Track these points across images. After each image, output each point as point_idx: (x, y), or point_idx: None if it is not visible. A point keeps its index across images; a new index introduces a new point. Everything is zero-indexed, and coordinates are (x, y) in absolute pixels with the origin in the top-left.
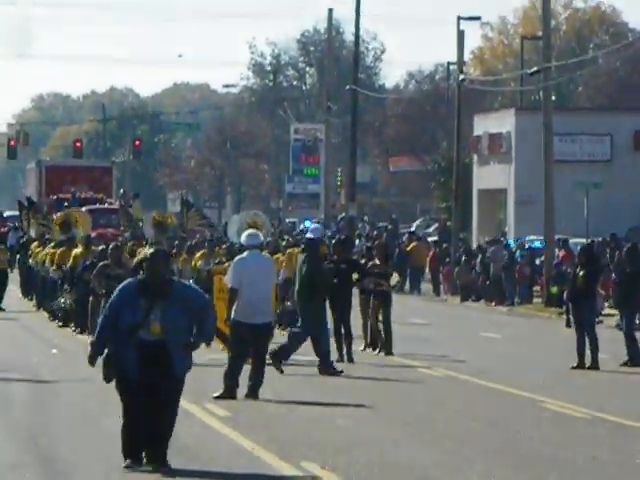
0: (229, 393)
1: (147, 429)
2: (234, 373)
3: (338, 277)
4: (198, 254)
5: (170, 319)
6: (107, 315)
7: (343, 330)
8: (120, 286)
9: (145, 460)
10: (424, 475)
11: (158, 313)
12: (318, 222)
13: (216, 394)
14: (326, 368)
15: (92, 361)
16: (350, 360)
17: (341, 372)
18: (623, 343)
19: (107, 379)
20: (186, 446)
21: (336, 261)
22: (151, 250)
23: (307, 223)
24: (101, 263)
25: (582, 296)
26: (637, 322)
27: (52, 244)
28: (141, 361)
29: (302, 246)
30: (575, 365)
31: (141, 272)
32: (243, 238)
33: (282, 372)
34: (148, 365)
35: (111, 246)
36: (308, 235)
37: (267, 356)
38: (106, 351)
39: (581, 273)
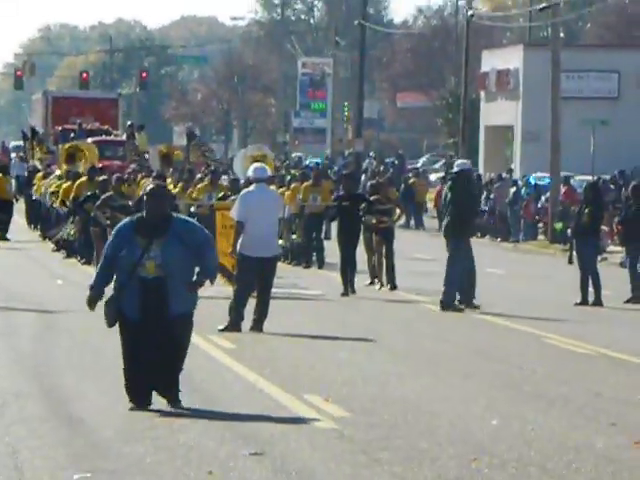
0: (234, 326)
1: (151, 371)
2: (239, 306)
3: (342, 212)
4: (200, 186)
5: (169, 256)
6: (106, 257)
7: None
8: (117, 227)
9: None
10: (428, 409)
11: (157, 250)
12: (327, 157)
13: (221, 327)
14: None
15: (91, 305)
16: (353, 291)
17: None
18: (627, 280)
19: (110, 323)
20: (190, 377)
21: (340, 196)
22: (150, 185)
23: (316, 160)
24: (105, 195)
25: (586, 233)
26: None
27: (56, 174)
28: (141, 300)
29: (449, 180)
30: (578, 302)
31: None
32: (250, 172)
33: (463, 310)
34: (147, 304)
35: (114, 177)
36: (455, 168)
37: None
38: (109, 294)
39: (586, 210)
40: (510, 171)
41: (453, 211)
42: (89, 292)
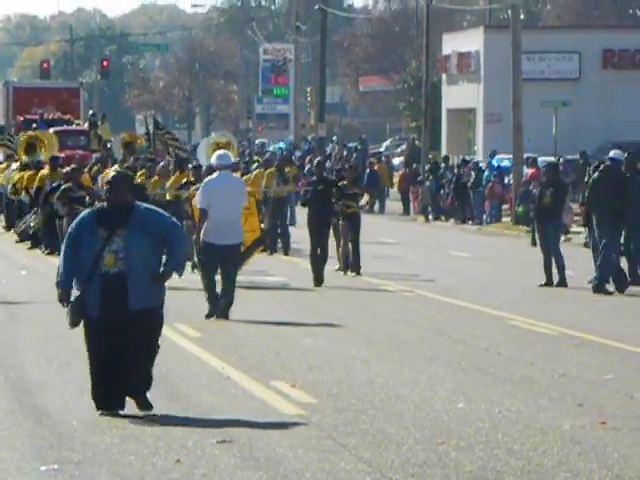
0: (216, 308)
1: (118, 373)
2: (211, 290)
3: (316, 197)
4: (172, 178)
5: (132, 248)
6: (67, 248)
7: (319, 251)
8: (78, 218)
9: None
10: (394, 393)
11: (120, 242)
12: (290, 143)
13: (206, 313)
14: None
15: (64, 300)
16: (321, 282)
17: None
18: (591, 260)
19: (73, 323)
20: (156, 367)
21: (314, 182)
22: (112, 173)
23: (280, 145)
24: (63, 186)
25: (548, 215)
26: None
27: (16, 165)
28: (101, 297)
29: (598, 170)
30: (543, 283)
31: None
32: (213, 159)
33: (612, 294)
34: (107, 301)
35: (71, 168)
36: (611, 155)
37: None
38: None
39: (547, 192)
40: (494, 154)
41: (608, 201)
42: (58, 290)
